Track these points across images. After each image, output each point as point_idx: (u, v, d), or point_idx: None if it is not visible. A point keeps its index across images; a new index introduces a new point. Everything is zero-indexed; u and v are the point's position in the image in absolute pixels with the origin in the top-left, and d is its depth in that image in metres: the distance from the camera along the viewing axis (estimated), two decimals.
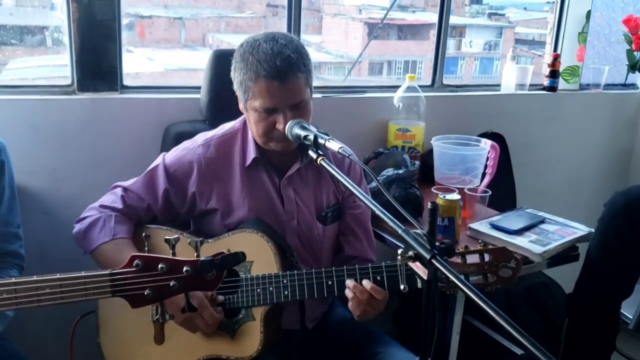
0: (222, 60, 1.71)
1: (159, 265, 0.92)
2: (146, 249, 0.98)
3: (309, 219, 1.44)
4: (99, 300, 1.38)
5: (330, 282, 1.26)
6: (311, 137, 1.18)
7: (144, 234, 1.00)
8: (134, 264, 0.93)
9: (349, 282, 1.26)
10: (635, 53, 2.63)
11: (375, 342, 1.45)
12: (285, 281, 1.27)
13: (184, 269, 0.92)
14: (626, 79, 2.74)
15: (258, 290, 1.28)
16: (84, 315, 1.41)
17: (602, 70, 2.60)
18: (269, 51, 1.26)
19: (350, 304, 1.26)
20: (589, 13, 2.55)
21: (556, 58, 2.48)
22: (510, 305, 1.95)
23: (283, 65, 1.26)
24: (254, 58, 1.27)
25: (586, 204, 2.60)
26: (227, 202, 1.40)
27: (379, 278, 1.25)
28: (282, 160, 1.41)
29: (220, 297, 1.28)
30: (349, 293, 1.26)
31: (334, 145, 1.14)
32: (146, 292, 0.93)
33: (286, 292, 1.27)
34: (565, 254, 1.57)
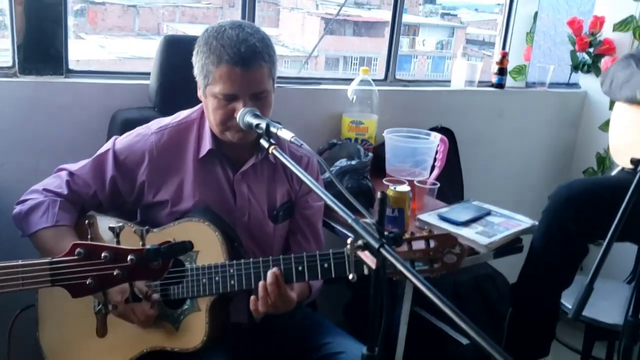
0: (173, 46, 1.67)
1: (102, 254, 0.90)
2: (89, 237, 0.95)
3: (261, 217, 1.42)
4: (38, 292, 1.33)
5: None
6: (263, 125, 1.17)
7: (87, 222, 0.97)
8: (76, 252, 0.90)
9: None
10: (578, 54, 2.75)
11: (324, 333, 1.45)
12: (232, 270, 1.25)
13: (129, 257, 0.90)
14: (569, 78, 2.85)
15: (204, 280, 1.26)
16: (23, 309, 1.35)
17: (547, 69, 2.69)
18: (234, 37, 1.25)
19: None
20: (536, 14, 2.63)
21: (504, 56, 2.55)
22: (457, 296, 2.00)
23: (247, 52, 1.25)
24: (218, 42, 1.26)
25: (531, 197, 2.70)
26: (177, 194, 1.37)
27: (326, 265, 1.24)
28: (238, 154, 1.40)
29: (155, 296, 1.24)
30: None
31: (285, 134, 1.13)
32: (88, 281, 0.90)
33: (232, 282, 1.25)
34: (509, 246, 1.62)
